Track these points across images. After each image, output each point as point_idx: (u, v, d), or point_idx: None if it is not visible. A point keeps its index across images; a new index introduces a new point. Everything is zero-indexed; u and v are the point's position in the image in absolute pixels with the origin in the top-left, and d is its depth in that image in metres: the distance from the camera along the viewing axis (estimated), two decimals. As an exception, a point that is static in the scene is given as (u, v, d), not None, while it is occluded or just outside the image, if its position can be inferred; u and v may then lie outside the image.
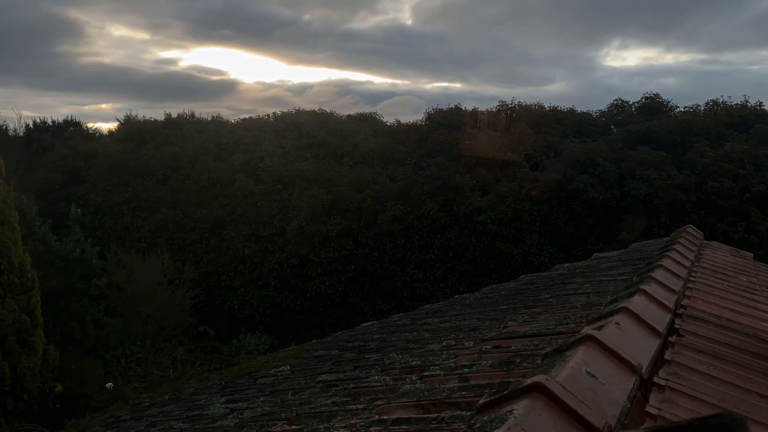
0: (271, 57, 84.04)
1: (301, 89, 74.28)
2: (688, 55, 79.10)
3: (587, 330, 2.23)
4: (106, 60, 71.84)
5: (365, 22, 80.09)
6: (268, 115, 31.11)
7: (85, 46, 71.41)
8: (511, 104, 28.85)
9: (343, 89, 71.11)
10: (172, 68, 75.54)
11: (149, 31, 72.55)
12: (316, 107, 31.50)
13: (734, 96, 30.07)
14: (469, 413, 2.19)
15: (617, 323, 2.47)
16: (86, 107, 72.92)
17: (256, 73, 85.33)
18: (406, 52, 78.11)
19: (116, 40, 71.57)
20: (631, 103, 29.55)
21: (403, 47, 78.28)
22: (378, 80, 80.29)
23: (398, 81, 79.68)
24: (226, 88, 74.55)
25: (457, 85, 78.29)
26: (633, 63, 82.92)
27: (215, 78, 76.54)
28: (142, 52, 74.09)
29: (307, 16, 79.86)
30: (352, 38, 76.90)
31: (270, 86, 76.42)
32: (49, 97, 68.45)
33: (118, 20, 72.55)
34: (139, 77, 70.24)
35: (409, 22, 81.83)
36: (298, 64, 77.27)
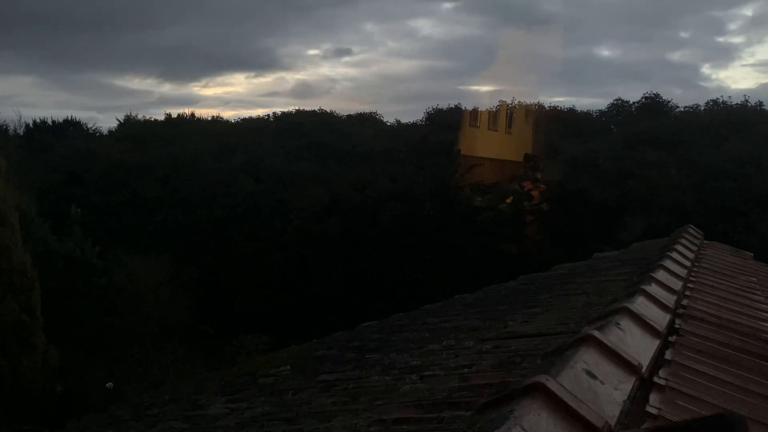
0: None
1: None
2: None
3: (587, 330, 2.23)
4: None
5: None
6: (268, 115, 31.21)
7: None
8: (512, 104, 28.89)
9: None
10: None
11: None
12: (316, 107, 31.57)
13: (734, 96, 30.06)
14: (469, 413, 2.19)
15: (617, 323, 2.48)
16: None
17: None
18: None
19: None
20: (631, 103, 29.60)
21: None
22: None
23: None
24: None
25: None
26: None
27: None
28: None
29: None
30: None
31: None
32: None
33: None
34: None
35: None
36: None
